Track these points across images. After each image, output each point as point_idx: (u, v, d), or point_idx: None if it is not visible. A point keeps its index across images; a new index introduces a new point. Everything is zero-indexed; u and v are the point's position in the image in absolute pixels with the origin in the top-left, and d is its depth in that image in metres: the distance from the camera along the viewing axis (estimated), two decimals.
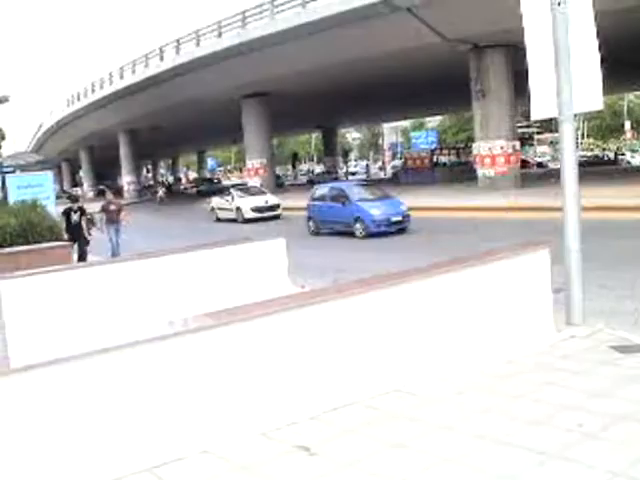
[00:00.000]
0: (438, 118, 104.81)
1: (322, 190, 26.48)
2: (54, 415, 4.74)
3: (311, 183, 51.18)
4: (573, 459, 4.79)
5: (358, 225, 22.60)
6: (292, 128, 78.83)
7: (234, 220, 32.98)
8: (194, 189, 72.84)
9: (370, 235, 22.04)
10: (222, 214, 34.64)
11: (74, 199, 20.20)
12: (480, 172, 35.11)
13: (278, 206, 33.59)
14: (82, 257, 17.97)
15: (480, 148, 35.05)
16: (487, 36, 32.14)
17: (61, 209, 19.05)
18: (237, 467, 5.10)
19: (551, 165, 62.63)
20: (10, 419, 4.56)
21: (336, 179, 54.07)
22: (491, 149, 34.41)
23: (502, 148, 34.29)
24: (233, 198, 34.33)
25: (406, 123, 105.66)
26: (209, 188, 63.37)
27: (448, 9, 30.25)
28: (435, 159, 51.94)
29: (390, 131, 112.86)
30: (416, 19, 31.47)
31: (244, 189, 37.97)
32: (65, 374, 4.78)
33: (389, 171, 77.94)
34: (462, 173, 43.95)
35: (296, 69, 39.88)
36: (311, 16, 35.28)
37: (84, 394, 4.86)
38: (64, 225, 18.26)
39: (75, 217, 18.46)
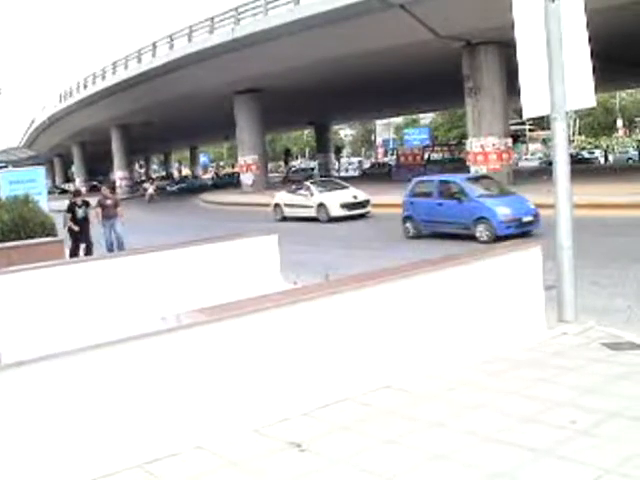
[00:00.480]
0: (431, 115, 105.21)
1: (426, 184, 21.67)
2: (46, 411, 4.73)
3: (289, 182, 49.38)
4: (565, 456, 4.80)
5: (481, 227, 18.47)
6: (285, 124, 78.92)
7: (312, 219, 28.25)
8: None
9: (496, 238, 17.43)
10: (292, 212, 29.73)
11: (76, 193, 20.17)
12: (472, 169, 35.07)
13: (368, 202, 28.72)
14: (89, 251, 18.19)
15: (472, 145, 35.04)
16: (480, 33, 32.11)
17: (54, 204, 19.00)
18: (230, 463, 5.10)
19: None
20: (1, 414, 4.54)
21: (325, 176, 53.30)
22: (483, 146, 34.41)
23: (494, 145, 34.30)
24: (312, 193, 29.21)
25: (399, 120, 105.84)
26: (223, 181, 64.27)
27: (441, 6, 30.24)
28: (428, 156, 51.91)
29: (383, 128, 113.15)
30: (409, 16, 31.46)
31: (322, 182, 32.99)
32: (57, 370, 4.77)
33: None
34: (455, 170, 43.96)
35: (289, 65, 39.84)
36: (304, 12, 35.19)
37: (76, 390, 4.85)
38: (69, 220, 18.40)
39: (81, 211, 18.54)
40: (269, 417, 5.67)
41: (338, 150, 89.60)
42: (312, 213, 28.53)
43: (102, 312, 9.02)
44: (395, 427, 5.54)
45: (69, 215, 18.65)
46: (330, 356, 6.13)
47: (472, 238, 18.23)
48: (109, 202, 20.16)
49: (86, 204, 18.85)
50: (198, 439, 5.33)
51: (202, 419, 5.41)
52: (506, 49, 33.47)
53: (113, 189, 28.89)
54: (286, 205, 30.40)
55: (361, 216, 27.70)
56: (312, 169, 76.65)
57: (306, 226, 27.07)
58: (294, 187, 32.11)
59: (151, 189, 54.43)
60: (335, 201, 28.06)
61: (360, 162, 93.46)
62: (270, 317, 5.79)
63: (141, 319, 6.22)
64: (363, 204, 28.42)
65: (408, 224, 20.80)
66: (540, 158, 71.77)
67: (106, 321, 8.05)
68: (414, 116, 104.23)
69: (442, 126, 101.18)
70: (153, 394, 5.19)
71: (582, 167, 46.43)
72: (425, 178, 23.23)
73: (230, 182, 64.67)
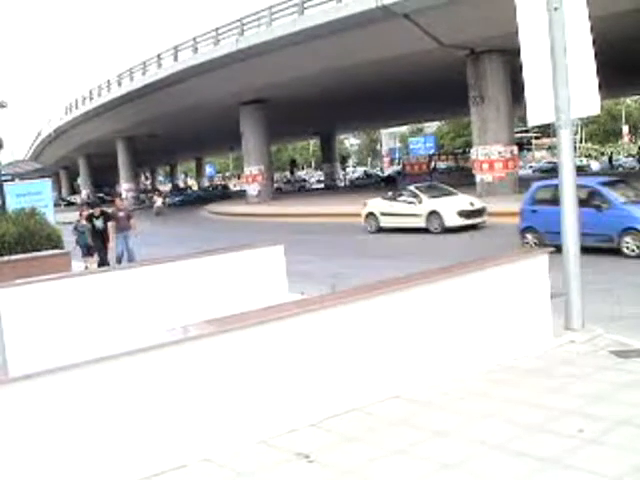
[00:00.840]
0: (436, 124, 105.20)
1: (551, 190, 17.41)
2: (53, 424, 4.74)
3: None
4: (573, 465, 4.79)
5: (629, 239, 15.68)
6: (290, 135, 79.15)
7: (420, 230, 24.71)
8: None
9: None
10: (392, 221, 26.27)
11: (93, 204, 20.08)
12: (478, 177, 35.12)
13: (484, 210, 25.27)
14: (103, 263, 18.04)
15: (478, 153, 35.07)
16: (484, 41, 32.20)
17: (60, 217, 18.96)
18: (237, 474, 5.09)
19: None
20: (9, 427, 4.55)
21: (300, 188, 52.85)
22: (489, 154, 34.41)
23: (500, 153, 34.31)
24: (420, 199, 25.53)
25: (404, 129, 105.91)
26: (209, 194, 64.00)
27: (444, 15, 30.28)
28: (433, 165, 51.92)
29: (388, 137, 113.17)
30: (413, 25, 31.54)
31: (428, 187, 28.33)
32: (64, 382, 4.78)
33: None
34: (460, 178, 43.96)
35: (294, 75, 39.93)
36: (308, 23, 35.30)
37: (83, 402, 4.86)
38: (88, 232, 18.22)
39: (99, 223, 18.38)
40: (277, 428, 5.67)
41: (343, 160, 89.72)
42: (420, 223, 24.99)
43: (109, 324, 9.03)
44: (404, 437, 5.53)
45: (89, 225, 18.42)
46: (338, 366, 6.13)
47: (614, 252, 15.45)
48: (122, 214, 19.68)
49: (105, 215, 18.59)
50: (205, 451, 5.33)
51: (210, 431, 5.41)
52: (510, 57, 33.57)
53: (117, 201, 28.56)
54: (383, 214, 26.64)
55: (473, 227, 24.31)
56: (304, 180, 77.02)
57: (414, 239, 23.72)
58: (392, 193, 28.32)
59: (159, 201, 53.15)
60: (451, 209, 24.59)
61: (366, 172, 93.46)
62: (277, 328, 5.80)
63: (148, 331, 6.24)
64: (480, 212, 25.14)
65: (529, 235, 17.67)
66: (531, 167, 71.55)
67: (113, 333, 8.06)
68: (419, 125, 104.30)
69: (447, 134, 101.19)
70: (160, 406, 5.20)
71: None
72: (548, 182, 18.94)
73: (215, 194, 67.82)
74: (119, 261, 18.70)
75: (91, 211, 18.93)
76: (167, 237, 30.98)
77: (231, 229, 33.57)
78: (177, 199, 69.44)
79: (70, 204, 71.45)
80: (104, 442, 4.92)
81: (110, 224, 18.77)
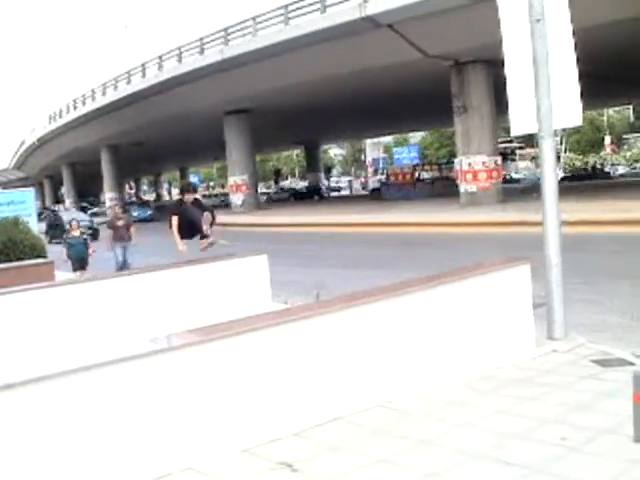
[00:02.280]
0: (421, 134, 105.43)
1: None
2: (34, 434, 4.70)
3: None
4: (556, 473, 4.80)
5: None
6: (275, 144, 79.12)
7: None
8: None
9: None
10: None
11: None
12: (462, 187, 35.30)
13: None
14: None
15: (462, 163, 35.26)
16: (468, 52, 32.43)
17: (43, 226, 18.55)
18: None
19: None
20: None
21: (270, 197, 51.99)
22: (472, 164, 34.60)
23: (484, 163, 34.52)
24: None
25: (389, 139, 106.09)
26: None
27: (428, 26, 30.49)
28: (417, 175, 52.13)
29: (372, 147, 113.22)
30: (397, 35, 31.74)
31: None
32: (46, 392, 4.75)
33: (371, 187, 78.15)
34: (444, 188, 44.18)
35: (278, 85, 40.00)
36: (293, 33, 35.49)
37: (65, 412, 4.83)
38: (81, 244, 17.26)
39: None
40: (260, 437, 5.67)
41: (328, 170, 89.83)
42: None
43: (92, 333, 8.99)
44: (387, 446, 5.54)
45: (80, 238, 17.50)
46: (321, 376, 6.13)
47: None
48: (121, 223, 18.80)
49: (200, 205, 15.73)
50: (189, 460, 5.31)
51: (193, 439, 5.39)
52: (494, 68, 33.72)
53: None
54: None
55: None
56: (282, 189, 76.69)
57: None
58: None
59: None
60: None
61: (350, 182, 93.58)
62: (260, 337, 5.79)
63: (132, 340, 6.20)
64: None
65: None
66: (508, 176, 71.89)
67: (96, 343, 8.03)
68: (404, 135, 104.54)
69: (432, 145, 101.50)
70: (143, 415, 5.18)
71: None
72: None
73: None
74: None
75: (178, 198, 17.00)
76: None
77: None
78: (141, 215, 53.63)
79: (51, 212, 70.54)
80: (86, 452, 4.89)
81: (107, 234, 18.20)
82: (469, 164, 34.70)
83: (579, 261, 13.47)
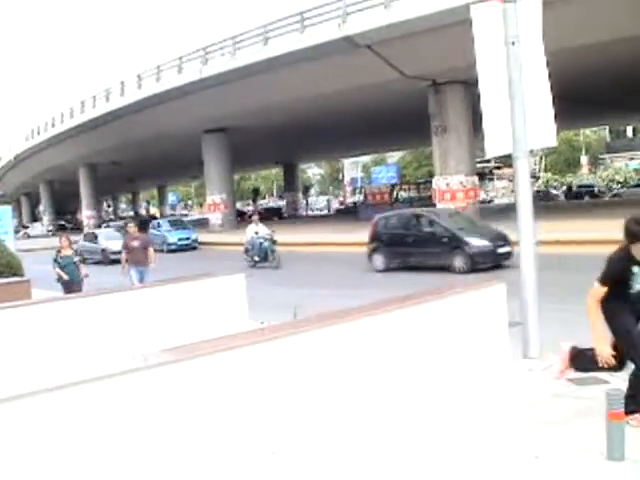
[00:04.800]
0: (399, 153, 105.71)
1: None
2: (8, 454, 4.65)
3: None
4: None
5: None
6: (253, 163, 79.13)
7: None
8: None
9: None
10: None
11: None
12: (440, 207, 35.39)
13: None
14: None
15: (439, 183, 35.43)
16: (445, 73, 32.64)
17: (20, 243, 18.31)
18: None
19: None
20: None
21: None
22: (450, 184, 34.78)
23: (461, 183, 34.69)
24: None
25: (367, 158, 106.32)
26: None
27: (406, 46, 30.76)
28: (396, 194, 52.31)
29: (351, 166, 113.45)
30: (376, 56, 31.92)
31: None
32: (19, 411, 4.69)
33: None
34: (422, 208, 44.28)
35: (257, 105, 40.12)
36: (272, 52, 35.65)
37: (37, 433, 4.77)
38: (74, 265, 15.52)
39: None
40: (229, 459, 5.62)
41: (306, 189, 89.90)
42: None
43: (68, 353, 8.89)
44: (359, 468, 5.53)
45: (73, 258, 15.82)
46: (290, 396, 6.10)
47: None
48: (136, 244, 16.73)
49: None
50: None
51: (159, 460, 5.34)
52: (471, 88, 33.98)
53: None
54: None
55: None
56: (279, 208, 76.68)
57: None
58: None
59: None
60: None
61: (329, 201, 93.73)
62: (234, 356, 5.77)
63: (108, 359, 6.16)
64: None
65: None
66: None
67: (73, 361, 7.94)
68: (382, 154, 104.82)
69: (410, 164, 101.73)
70: (119, 435, 5.13)
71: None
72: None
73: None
74: None
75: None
76: None
77: (197, 258, 33.32)
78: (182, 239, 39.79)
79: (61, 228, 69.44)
80: (59, 472, 4.84)
81: (122, 256, 16.61)
82: (447, 184, 34.89)
83: (555, 280, 13.58)
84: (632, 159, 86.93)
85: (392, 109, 40.65)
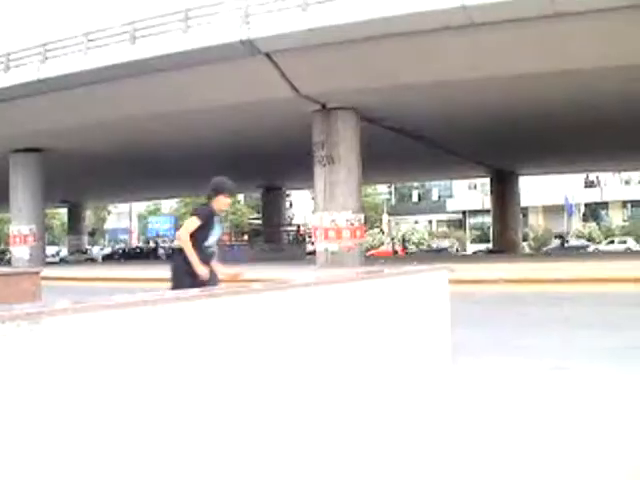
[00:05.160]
0: (172, 203, 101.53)
1: None
2: None
3: None
4: None
5: None
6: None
7: None
8: None
9: None
10: None
11: None
12: (321, 246, 31.46)
13: None
14: None
15: (323, 220, 31.36)
16: (340, 96, 29.27)
17: None
18: None
19: None
20: None
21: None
22: (336, 221, 30.94)
23: (348, 221, 31.01)
24: None
25: (143, 207, 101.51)
26: None
27: (309, 59, 27.05)
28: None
29: (117, 217, 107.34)
30: (272, 66, 27.81)
31: None
32: None
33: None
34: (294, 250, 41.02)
35: (78, 123, 34.17)
36: (138, 54, 29.84)
37: None
38: None
39: None
40: None
41: (92, 232, 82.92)
42: None
43: None
44: None
45: None
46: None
47: None
48: None
49: None
50: None
51: None
52: (365, 116, 31.05)
53: None
54: None
55: None
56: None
57: None
58: None
59: None
60: None
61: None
62: None
63: None
64: None
65: None
66: None
67: None
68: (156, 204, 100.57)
69: (185, 215, 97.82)
70: None
71: None
72: None
73: None
74: None
75: None
76: None
77: None
78: None
79: None
80: None
81: None
82: (332, 221, 30.99)
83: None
84: (417, 222, 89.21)
85: (264, 136, 36.52)
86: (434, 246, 71.99)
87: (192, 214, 8.22)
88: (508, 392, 6.98)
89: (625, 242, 64.06)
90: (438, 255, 56.80)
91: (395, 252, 63.43)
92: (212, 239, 8.15)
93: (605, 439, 5.44)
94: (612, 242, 65.60)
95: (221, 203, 8.16)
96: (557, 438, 5.44)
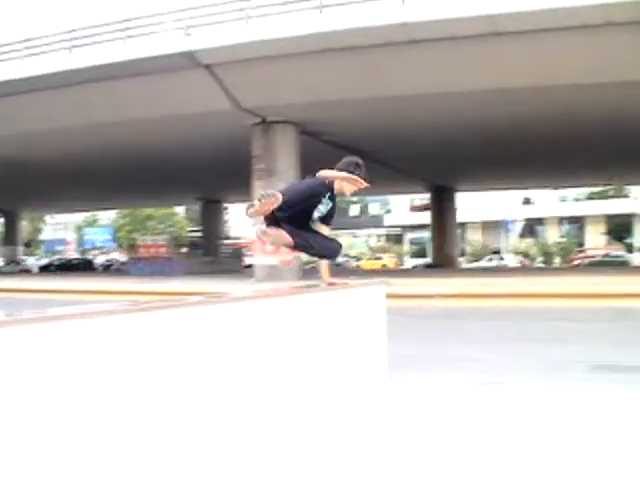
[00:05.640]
0: (111, 215, 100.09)
1: None
2: None
3: None
4: None
5: None
6: None
7: None
8: None
9: None
10: None
11: None
12: (260, 260, 31.24)
13: None
14: None
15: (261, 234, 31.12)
16: (277, 110, 29.23)
17: None
18: None
19: None
20: None
21: None
22: None
23: None
24: None
25: (80, 218, 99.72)
26: None
27: (250, 73, 26.90)
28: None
29: (53, 227, 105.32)
30: (213, 79, 27.64)
31: None
32: None
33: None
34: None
35: (25, 129, 33.32)
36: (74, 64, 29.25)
37: None
38: None
39: None
40: None
41: (28, 243, 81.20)
42: None
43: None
44: None
45: None
46: None
47: None
48: None
49: None
50: None
51: None
52: (305, 130, 31.09)
53: None
54: None
55: None
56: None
57: None
58: None
59: None
60: None
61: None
62: None
63: None
64: None
65: None
66: None
67: None
68: (94, 214, 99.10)
69: (124, 227, 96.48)
70: None
71: None
72: None
73: None
74: None
75: None
76: None
77: None
78: None
79: None
80: None
81: None
82: None
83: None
84: (355, 237, 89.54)
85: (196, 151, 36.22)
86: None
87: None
88: (439, 406, 7.01)
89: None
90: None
91: (338, 265, 63.80)
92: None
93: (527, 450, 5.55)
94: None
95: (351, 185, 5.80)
96: (478, 450, 5.51)
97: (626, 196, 75.19)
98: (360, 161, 5.87)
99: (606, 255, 59.85)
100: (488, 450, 5.60)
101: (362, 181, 5.67)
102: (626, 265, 53.96)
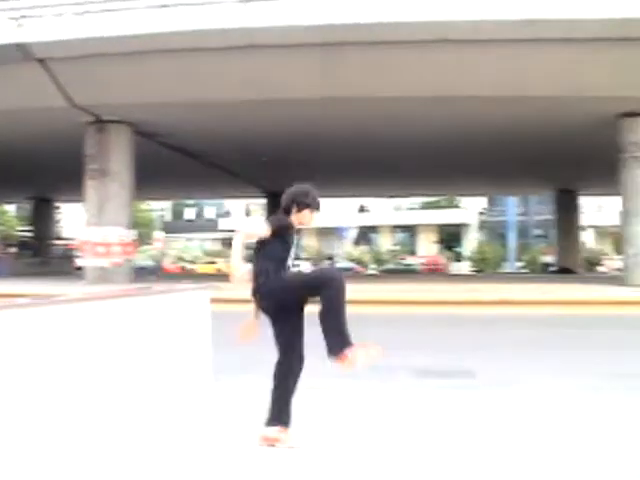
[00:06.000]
0: None
1: None
2: None
3: None
4: None
5: None
6: None
7: None
8: None
9: None
10: None
11: None
12: (91, 262, 30.43)
13: None
14: None
15: (93, 235, 30.39)
16: (114, 109, 28.72)
17: None
18: None
19: None
20: None
21: None
22: (107, 237, 30.15)
23: (120, 236, 30.34)
24: None
25: None
26: None
27: (84, 69, 26.26)
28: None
29: None
30: (46, 74, 26.74)
31: None
32: None
33: None
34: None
35: None
36: None
37: None
38: None
39: None
40: None
41: None
42: None
43: None
44: None
45: None
46: None
47: None
48: None
49: None
50: None
51: None
52: (139, 130, 30.68)
53: None
54: None
55: None
56: None
57: None
58: None
59: None
60: None
61: None
62: None
63: None
64: None
65: None
66: None
67: None
68: None
69: None
70: None
71: None
72: None
73: None
74: None
75: None
76: None
77: None
78: None
79: None
80: None
81: None
82: (103, 236, 30.16)
83: None
84: (190, 240, 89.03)
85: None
86: None
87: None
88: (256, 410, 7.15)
89: None
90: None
91: (183, 268, 65.19)
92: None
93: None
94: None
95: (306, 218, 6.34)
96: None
97: (457, 207, 78.36)
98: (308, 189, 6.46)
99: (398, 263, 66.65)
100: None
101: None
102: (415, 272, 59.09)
